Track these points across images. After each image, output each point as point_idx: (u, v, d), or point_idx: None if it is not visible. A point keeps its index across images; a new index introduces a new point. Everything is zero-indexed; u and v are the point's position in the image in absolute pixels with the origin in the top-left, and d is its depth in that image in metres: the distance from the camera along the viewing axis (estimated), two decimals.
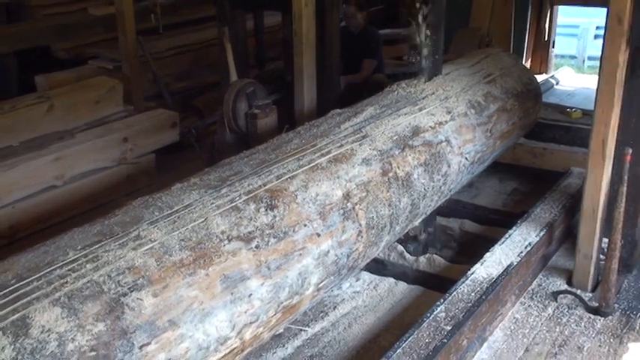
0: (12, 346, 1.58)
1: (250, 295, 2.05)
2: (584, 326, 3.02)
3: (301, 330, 2.99)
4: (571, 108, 4.97)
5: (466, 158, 3.18)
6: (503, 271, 2.99)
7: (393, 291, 3.38)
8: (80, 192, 4.30)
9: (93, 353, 1.67)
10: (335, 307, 3.23)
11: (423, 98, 3.17)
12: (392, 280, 3.45)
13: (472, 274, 2.95)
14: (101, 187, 4.40)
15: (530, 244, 3.23)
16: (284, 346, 2.94)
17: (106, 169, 4.47)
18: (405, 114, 2.99)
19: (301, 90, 3.98)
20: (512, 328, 3.00)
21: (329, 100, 4.04)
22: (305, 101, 3.97)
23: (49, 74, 5.27)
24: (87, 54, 5.90)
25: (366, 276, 3.47)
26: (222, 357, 2.01)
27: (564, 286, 3.29)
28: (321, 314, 3.17)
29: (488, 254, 3.13)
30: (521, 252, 3.15)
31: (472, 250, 3.65)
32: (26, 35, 5.62)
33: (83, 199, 4.28)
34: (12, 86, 5.83)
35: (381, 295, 3.34)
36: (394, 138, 2.81)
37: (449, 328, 2.55)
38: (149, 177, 4.67)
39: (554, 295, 3.22)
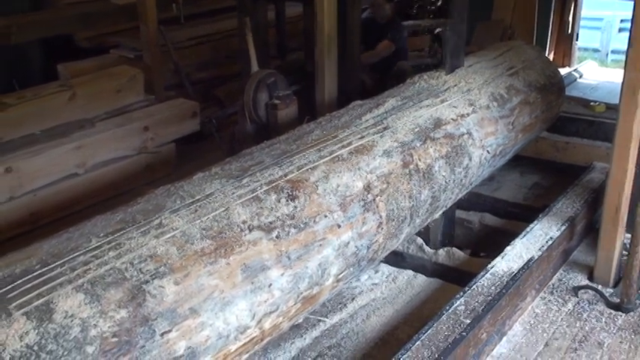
0: (36, 331, 1.60)
1: (270, 284, 2.06)
2: (605, 322, 3.00)
3: (320, 320, 3.00)
4: (595, 101, 4.92)
5: (488, 151, 3.16)
6: (524, 264, 2.97)
7: (411, 283, 3.38)
8: (101, 180, 4.34)
9: (115, 339, 1.69)
10: (353, 298, 3.24)
11: (445, 90, 3.16)
12: (411, 272, 3.45)
13: (492, 267, 2.94)
14: (121, 176, 4.44)
15: (551, 238, 3.21)
16: (302, 336, 2.95)
17: (126, 157, 4.51)
18: (427, 106, 2.98)
19: (322, 81, 3.98)
20: (531, 322, 2.99)
21: (350, 91, 4.03)
22: (326, 92, 3.97)
23: (71, 63, 5.31)
24: (109, 43, 5.93)
25: (385, 268, 3.47)
26: (242, 346, 2.02)
27: (585, 282, 3.27)
28: (340, 306, 3.18)
29: (508, 248, 3.11)
30: (543, 246, 3.13)
31: (492, 243, 3.64)
32: (49, 24, 5.66)
33: (103, 187, 4.32)
34: (35, 74, 5.88)
35: (400, 287, 3.34)
36: (415, 130, 2.80)
37: (468, 321, 2.54)
38: (169, 166, 4.70)
39: (575, 290, 3.20)
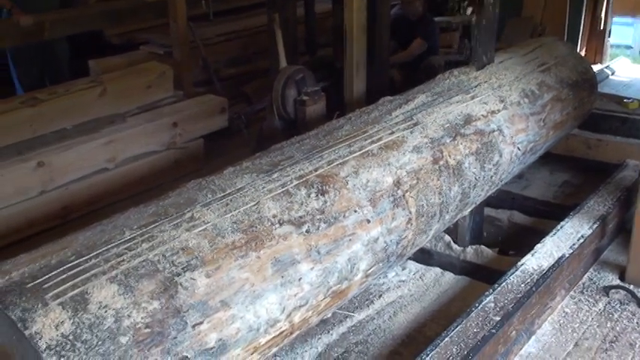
0: (71, 320, 1.64)
1: (300, 278, 2.08)
2: (637, 323, 2.97)
3: (348, 316, 3.01)
4: (628, 98, 4.85)
5: (518, 148, 3.14)
6: (555, 262, 2.95)
7: (439, 281, 3.38)
8: (130, 175, 4.39)
9: (148, 330, 1.72)
10: (380, 295, 3.24)
11: (476, 86, 3.14)
12: (438, 270, 3.45)
13: (522, 265, 2.92)
14: (150, 171, 4.49)
15: (582, 236, 3.18)
16: (329, 332, 2.96)
17: (155, 153, 4.56)
18: (457, 102, 2.97)
19: (351, 77, 3.98)
20: (561, 322, 2.97)
21: (379, 87, 4.04)
22: (354, 88, 3.97)
23: (102, 59, 5.39)
24: (138, 39, 6.01)
25: (413, 265, 3.47)
26: (272, 339, 2.04)
27: (616, 281, 3.23)
28: (367, 302, 3.18)
29: (539, 245, 3.09)
30: (574, 244, 3.11)
31: (520, 242, 3.62)
32: (80, 20, 5.74)
33: (133, 182, 4.38)
34: (64, 71, 5.98)
35: (427, 284, 3.34)
36: (446, 126, 2.80)
37: (498, 318, 2.53)
38: (197, 162, 4.74)
39: (606, 289, 3.16)
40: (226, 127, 4.97)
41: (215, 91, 5.34)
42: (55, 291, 1.68)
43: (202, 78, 5.57)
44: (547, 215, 3.80)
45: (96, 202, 4.19)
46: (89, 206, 4.14)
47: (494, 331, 2.48)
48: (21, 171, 3.87)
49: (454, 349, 2.38)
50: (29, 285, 1.69)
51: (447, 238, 3.57)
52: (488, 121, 2.98)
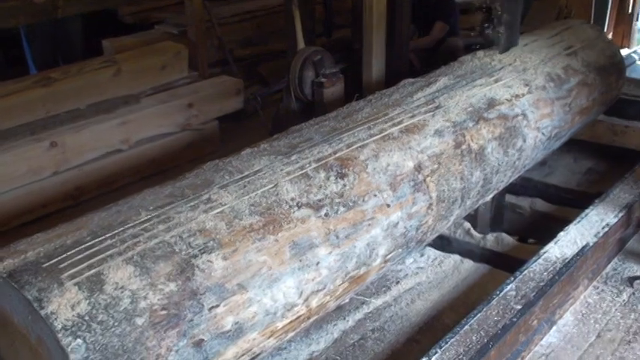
0: (87, 301, 1.65)
1: (318, 263, 2.08)
2: None
3: (363, 303, 3.01)
4: None
5: (543, 133, 3.12)
6: (578, 251, 2.93)
7: (458, 268, 3.36)
8: (144, 157, 4.41)
9: (164, 312, 1.73)
10: (398, 282, 3.23)
11: (500, 69, 3.12)
12: (457, 257, 3.43)
13: (545, 252, 2.90)
14: (165, 153, 4.50)
15: (607, 225, 3.15)
16: (345, 318, 2.97)
17: (170, 134, 4.56)
18: (480, 85, 2.95)
19: (370, 59, 3.96)
20: (583, 312, 2.95)
21: (398, 69, 4.01)
22: (373, 70, 3.95)
23: (116, 38, 5.38)
24: (153, 18, 6.00)
25: (431, 252, 3.46)
26: (289, 323, 2.05)
27: None
28: (384, 289, 3.18)
29: (562, 233, 3.07)
30: (598, 233, 3.08)
31: (542, 230, 3.60)
32: None
33: (147, 164, 4.40)
34: (78, 50, 5.99)
35: (446, 272, 3.33)
36: (468, 110, 2.78)
37: (519, 307, 2.52)
38: (212, 144, 4.75)
39: (630, 280, 3.14)
40: (242, 109, 4.97)
41: (230, 72, 5.33)
42: (71, 271, 1.70)
43: (217, 58, 5.56)
44: (570, 203, 3.77)
45: (109, 183, 4.21)
46: (102, 188, 4.17)
47: (515, 319, 2.47)
48: (34, 151, 3.90)
49: (474, 338, 2.37)
50: (45, 265, 1.70)
51: (467, 224, 3.56)
52: (512, 105, 2.96)
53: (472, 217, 3.51)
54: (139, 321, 1.69)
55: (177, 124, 4.59)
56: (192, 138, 4.67)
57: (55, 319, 1.60)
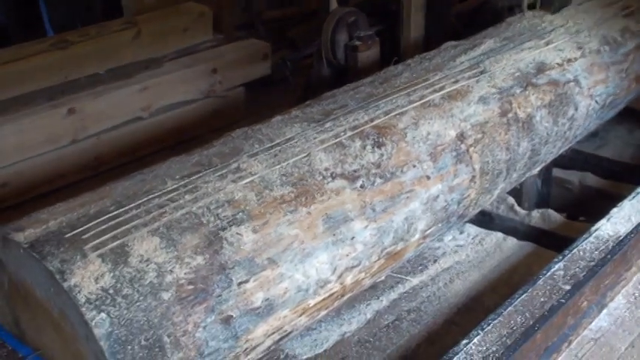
0: (111, 274, 1.68)
1: (353, 237, 2.09)
2: None
3: (398, 282, 3.02)
4: None
5: (596, 101, 3.08)
6: (633, 229, 2.89)
7: (500, 247, 3.35)
8: (166, 125, 4.43)
9: (191, 287, 1.75)
10: (435, 260, 3.23)
11: (551, 31, 3.08)
12: (500, 234, 3.41)
13: (596, 230, 2.87)
14: (187, 121, 4.52)
15: None
16: (379, 298, 2.98)
17: (193, 101, 4.57)
18: (529, 48, 2.92)
19: (408, 20, 3.93)
20: (636, 294, 2.92)
21: (438, 32, 3.97)
22: (412, 33, 3.92)
23: None
24: None
25: (471, 229, 3.44)
26: (321, 301, 2.07)
27: None
28: (420, 267, 3.18)
29: (615, 210, 3.03)
30: None
31: (592, 207, 3.56)
32: None
33: (168, 132, 4.42)
34: (97, 10, 6.01)
35: (488, 250, 3.32)
36: (516, 75, 2.75)
37: (568, 287, 2.50)
38: (237, 112, 4.75)
39: None
40: (269, 74, 4.95)
41: (257, 35, 5.31)
42: (95, 242, 1.73)
43: (244, 21, 5.54)
44: (623, 178, 3.72)
45: (129, 153, 4.24)
46: (122, 157, 4.20)
47: (563, 301, 2.45)
48: (51, 118, 3.93)
49: (518, 319, 2.36)
50: (67, 235, 1.74)
51: (511, 200, 3.54)
52: (564, 70, 2.92)
53: (516, 192, 3.49)
54: (165, 295, 1.71)
55: (200, 91, 4.60)
56: (216, 105, 4.67)
57: (79, 292, 1.63)
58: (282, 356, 2.63)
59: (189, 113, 4.54)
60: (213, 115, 4.65)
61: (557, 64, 2.92)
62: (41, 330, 1.84)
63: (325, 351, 2.69)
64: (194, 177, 1.96)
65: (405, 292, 3.03)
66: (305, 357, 2.65)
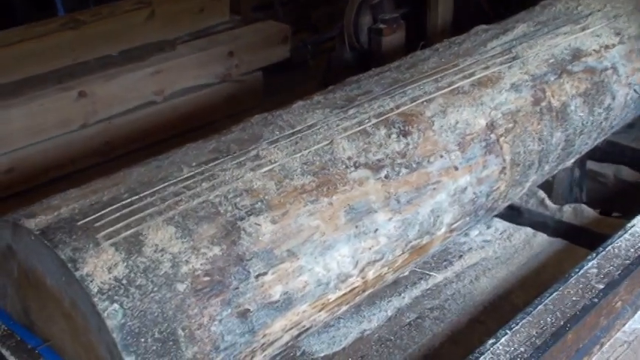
0: (125, 263, 1.69)
1: (376, 230, 2.09)
2: None
3: (428, 275, 3.02)
4: None
5: (635, 90, 3.06)
6: None
7: (530, 243, 3.34)
8: (180, 110, 4.46)
9: (207, 278, 1.76)
10: (461, 256, 3.22)
11: (587, 16, 3.05)
12: (529, 230, 3.40)
13: (632, 227, 2.85)
14: (202, 106, 4.54)
15: None
16: (400, 294, 2.98)
17: (208, 86, 4.59)
18: (565, 34, 2.89)
19: (436, 2, 3.92)
20: None
21: (468, 15, 3.96)
22: (439, 15, 3.91)
23: None
24: None
25: (499, 224, 3.43)
26: (342, 296, 2.07)
27: None
28: (445, 263, 3.17)
29: None
30: None
31: (628, 202, 3.54)
32: None
33: (182, 118, 4.44)
34: None
35: (516, 246, 3.31)
36: (550, 61, 2.74)
37: (601, 286, 2.49)
38: (255, 97, 4.76)
39: None
40: (288, 58, 4.95)
41: (276, 17, 5.31)
42: (108, 230, 1.74)
43: (262, 1, 5.55)
44: None
45: (141, 139, 4.27)
46: (134, 143, 4.23)
47: (596, 300, 2.44)
48: (61, 101, 3.97)
49: (548, 319, 2.36)
50: (80, 222, 1.75)
51: (541, 193, 3.52)
52: (601, 57, 2.90)
53: (547, 186, 3.47)
54: (181, 287, 1.72)
55: (216, 75, 4.61)
56: (232, 90, 4.69)
57: (91, 281, 1.64)
58: (298, 353, 2.64)
59: (204, 98, 4.56)
60: (229, 100, 4.67)
61: (594, 50, 2.90)
62: (51, 320, 1.86)
63: (344, 349, 2.70)
64: (211, 164, 1.97)
65: (428, 289, 3.03)
66: (322, 354, 2.67)
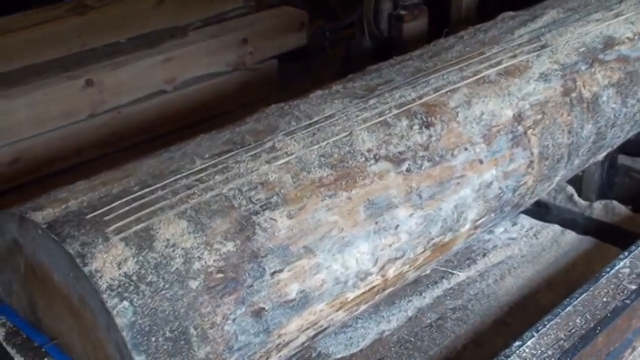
0: (135, 259, 1.70)
1: (397, 226, 2.09)
2: None
3: (447, 274, 3.03)
4: None
5: None
6: None
7: (558, 241, 3.34)
8: (191, 100, 4.47)
9: (220, 275, 1.77)
10: (485, 254, 3.23)
11: (620, 2, 3.04)
12: (557, 227, 3.41)
13: None
14: (214, 96, 4.55)
15: None
16: (421, 294, 2.99)
17: (220, 74, 4.61)
18: (596, 21, 2.88)
19: None
20: None
21: (493, 1, 3.95)
22: (464, 1, 3.90)
23: None
24: None
25: (525, 220, 3.44)
26: (361, 294, 2.08)
27: None
28: (468, 261, 3.19)
29: None
30: None
31: None
32: None
33: (194, 107, 4.46)
34: None
35: (543, 244, 3.31)
36: (581, 50, 2.73)
37: (634, 287, 2.48)
38: (270, 86, 4.77)
39: None
40: (305, 45, 4.95)
41: (293, 3, 5.31)
42: (118, 224, 1.74)
43: None
44: None
45: (151, 129, 4.29)
46: (143, 134, 4.25)
47: (628, 302, 2.43)
48: (68, 90, 4.00)
49: (577, 321, 2.35)
50: (89, 216, 1.76)
51: (570, 189, 3.53)
52: (635, 45, 2.89)
53: (577, 181, 3.47)
54: (193, 284, 1.73)
55: (229, 63, 4.62)
56: (246, 79, 4.70)
57: (100, 277, 1.65)
58: (314, 354, 2.66)
59: (216, 87, 4.57)
60: (243, 89, 4.68)
61: (628, 38, 2.89)
62: (58, 317, 1.87)
63: (361, 350, 2.71)
64: (225, 156, 1.97)
65: (450, 289, 3.04)
66: (339, 356, 2.68)
